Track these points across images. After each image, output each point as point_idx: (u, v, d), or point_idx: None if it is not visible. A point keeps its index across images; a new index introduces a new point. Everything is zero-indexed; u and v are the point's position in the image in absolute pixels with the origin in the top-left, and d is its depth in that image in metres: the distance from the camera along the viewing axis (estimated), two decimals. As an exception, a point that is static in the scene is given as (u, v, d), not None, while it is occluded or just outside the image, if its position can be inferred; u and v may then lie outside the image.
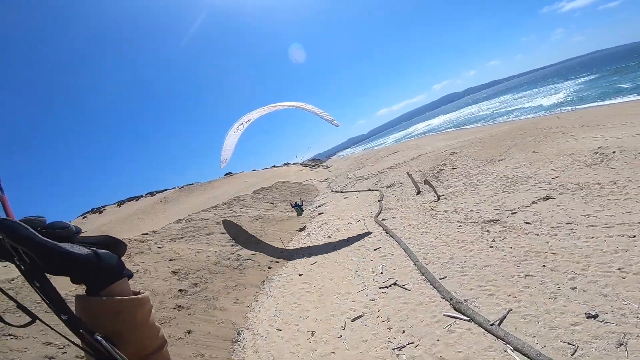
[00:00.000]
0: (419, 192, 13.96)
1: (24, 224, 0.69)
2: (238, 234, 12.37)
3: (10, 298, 0.74)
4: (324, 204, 19.22)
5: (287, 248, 12.07)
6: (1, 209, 0.76)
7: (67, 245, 0.73)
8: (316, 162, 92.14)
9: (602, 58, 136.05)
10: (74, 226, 0.79)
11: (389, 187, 16.79)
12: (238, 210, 16.16)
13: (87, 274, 0.75)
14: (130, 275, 0.84)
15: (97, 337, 0.70)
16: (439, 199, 12.11)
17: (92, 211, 70.21)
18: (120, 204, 70.32)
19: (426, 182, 12.96)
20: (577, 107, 32.07)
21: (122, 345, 0.74)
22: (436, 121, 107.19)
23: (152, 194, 70.63)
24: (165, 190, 69.42)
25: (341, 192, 21.71)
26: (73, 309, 0.74)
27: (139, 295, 0.81)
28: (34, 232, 0.70)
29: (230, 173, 64.55)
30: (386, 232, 10.60)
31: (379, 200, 14.81)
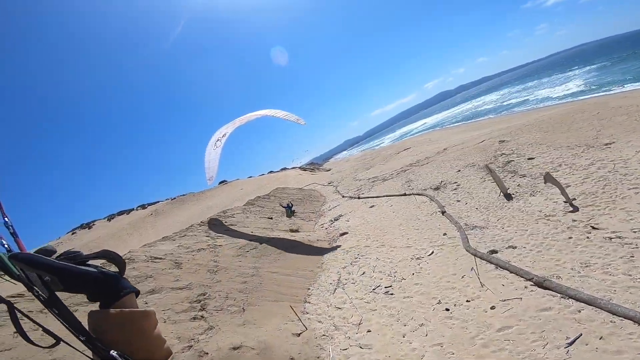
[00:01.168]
0: (508, 196, 9.50)
1: (38, 254, 0.80)
2: (208, 296, 6.61)
3: (37, 324, 0.83)
4: (341, 215, 15.00)
5: (302, 330, 5.92)
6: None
7: (81, 266, 0.83)
8: (314, 165, 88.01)
9: (591, 50, 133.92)
10: (77, 250, 0.87)
11: (437, 189, 12.61)
12: (219, 235, 11.34)
13: (100, 290, 0.83)
14: (137, 292, 0.91)
15: (113, 354, 0.75)
16: (574, 207, 7.52)
17: (82, 226, 65.42)
18: (110, 218, 65.57)
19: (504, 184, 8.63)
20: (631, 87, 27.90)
21: (131, 355, 0.78)
22: (436, 118, 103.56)
23: (143, 206, 65.97)
24: (158, 202, 64.72)
25: (358, 198, 17.32)
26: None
27: (146, 309, 0.87)
28: (49, 258, 0.80)
29: (225, 181, 60.09)
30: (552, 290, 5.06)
31: (441, 213, 9.88)
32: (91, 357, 0.80)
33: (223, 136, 14.53)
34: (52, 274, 0.78)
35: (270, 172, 74.57)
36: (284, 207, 16.13)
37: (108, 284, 0.84)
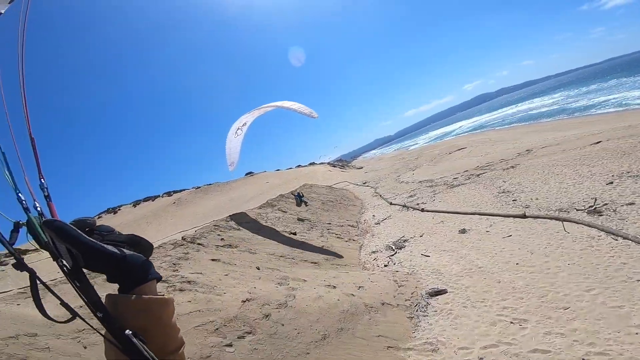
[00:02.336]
0: None
1: (71, 225, 0.77)
2: None
3: (56, 296, 0.80)
4: (404, 239, 9.54)
5: None
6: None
7: (109, 246, 0.79)
8: (343, 162, 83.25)
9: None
10: (112, 229, 0.85)
11: (594, 212, 7.10)
12: (188, 274, 5.94)
13: (122, 273, 0.79)
14: (159, 277, 0.86)
15: (127, 333, 0.73)
16: None
17: (108, 211, 65.25)
18: (136, 204, 64.79)
19: None
20: None
21: (146, 342, 0.75)
22: (478, 120, 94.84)
23: (169, 193, 64.57)
24: (184, 190, 62.98)
25: (422, 210, 12.30)
26: None
27: (165, 297, 0.83)
28: (80, 232, 0.77)
29: (251, 173, 56.95)
30: None
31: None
32: (104, 335, 0.76)
33: (243, 125, 14.19)
34: (78, 249, 0.76)
35: (299, 166, 70.75)
36: (294, 194, 15.26)
37: (133, 268, 0.81)
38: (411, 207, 13.01)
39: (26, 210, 0.86)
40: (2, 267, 47.26)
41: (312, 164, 71.41)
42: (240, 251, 8.39)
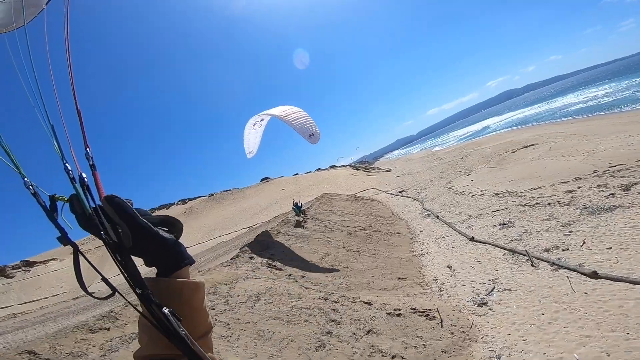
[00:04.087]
0: None
1: (128, 203, 0.76)
2: None
3: (97, 271, 0.83)
4: None
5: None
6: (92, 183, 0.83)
7: (159, 230, 0.78)
8: (366, 163, 76.62)
9: None
10: (147, 211, 0.83)
11: None
12: None
13: (164, 257, 0.79)
14: (193, 262, 0.86)
15: (165, 310, 0.72)
16: None
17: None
18: (151, 212, 61.44)
19: None
20: None
21: (181, 320, 0.75)
22: (515, 115, 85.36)
23: (184, 201, 60.80)
24: (199, 197, 58.92)
25: (578, 273, 5.70)
26: None
27: (197, 280, 0.84)
28: (135, 212, 0.76)
29: (267, 178, 51.87)
30: None
31: None
32: (142, 311, 0.76)
33: (261, 120, 12.85)
34: (132, 228, 0.74)
35: (318, 169, 65.04)
36: (293, 207, 13.82)
37: (173, 252, 0.80)
38: (542, 260, 6.67)
39: (72, 180, 0.83)
40: (8, 279, 43.40)
41: (333, 166, 65.44)
42: None
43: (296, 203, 13.73)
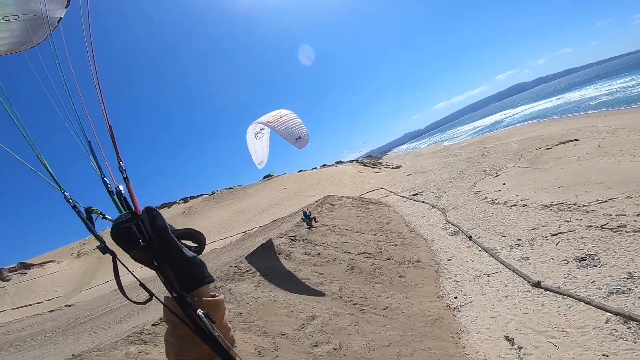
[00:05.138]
0: None
1: (162, 217, 0.81)
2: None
3: (136, 278, 0.86)
4: None
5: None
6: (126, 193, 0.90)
7: (185, 247, 0.83)
8: (374, 159, 73.23)
9: None
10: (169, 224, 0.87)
11: None
12: None
13: (187, 274, 0.81)
14: (212, 280, 0.86)
15: (200, 312, 0.75)
16: None
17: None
18: (153, 210, 59.62)
19: None
20: None
21: (214, 322, 0.78)
22: (531, 108, 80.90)
23: (185, 200, 58.75)
24: (201, 195, 56.72)
25: None
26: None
27: (217, 297, 0.84)
28: (167, 225, 0.82)
29: (270, 175, 49.04)
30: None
31: None
32: (180, 317, 0.76)
33: (262, 129, 11.91)
34: (161, 242, 0.77)
35: (324, 165, 61.99)
36: (302, 217, 12.33)
37: (197, 270, 0.81)
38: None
39: (111, 193, 0.88)
40: (4, 282, 41.86)
41: (339, 162, 62.33)
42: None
43: (305, 212, 12.41)
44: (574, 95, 64.42)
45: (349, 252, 8.44)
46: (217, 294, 0.85)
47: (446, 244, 9.55)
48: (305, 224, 11.94)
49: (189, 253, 0.81)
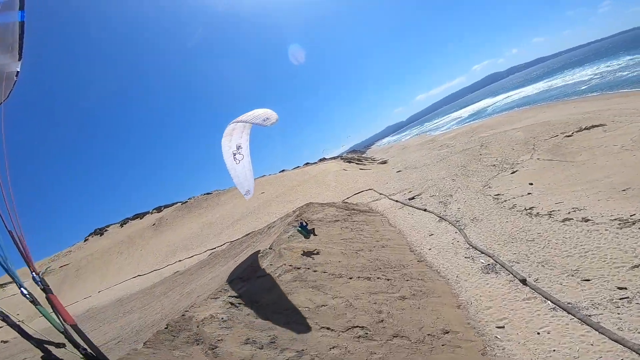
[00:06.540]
0: None
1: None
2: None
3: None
4: None
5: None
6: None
7: None
8: (358, 153, 69.91)
9: None
10: None
11: None
12: None
13: None
14: None
15: None
16: None
17: (95, 232, 55.07)
18: (123, 223, 54.32)
19: None
20: None
21: None
22: (518, 94, 79.84)
23: (159, 209, 53.83)
24: (175, 203, 51.77)
25: None
26: None
27: None
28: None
29: (247, 179, 44.87)
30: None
31: None
32: None
33: (238, 148, 11.03)
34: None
35: (306, 164, 58.15)
36: (297, 228, 11.21)
37: None
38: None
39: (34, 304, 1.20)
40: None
41: (323, 160, 58.69)
42: None
43: (301, 222, 11.42)
44: (557, 80, 63.21)
45: (328, 329, 4.81)
46: None
47: (484, 291, 6.07)
48: (302, 236, 10.54)
49: None
